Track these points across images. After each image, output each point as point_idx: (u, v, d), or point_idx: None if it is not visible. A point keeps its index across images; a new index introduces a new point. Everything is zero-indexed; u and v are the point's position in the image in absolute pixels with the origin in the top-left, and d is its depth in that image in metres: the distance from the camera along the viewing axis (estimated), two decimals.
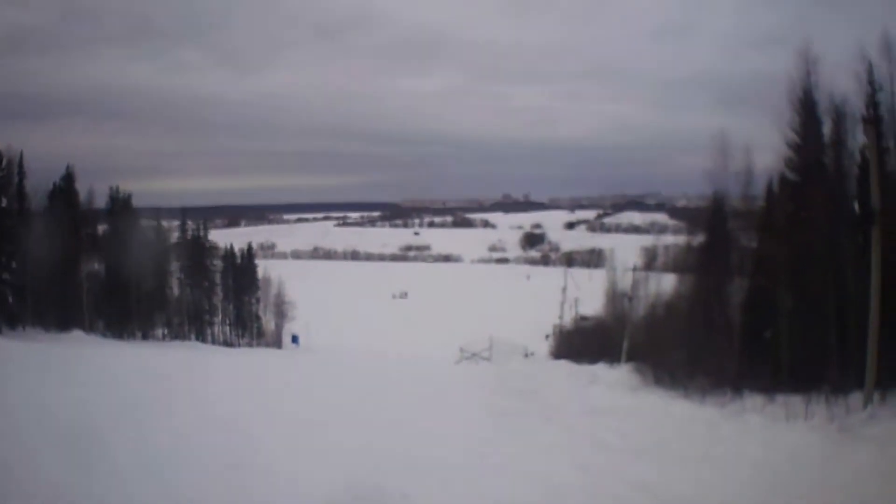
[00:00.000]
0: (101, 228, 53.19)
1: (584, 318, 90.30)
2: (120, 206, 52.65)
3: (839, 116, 27.37)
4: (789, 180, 28.70)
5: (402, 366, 40.34)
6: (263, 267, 69.01)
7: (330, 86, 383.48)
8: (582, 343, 66.39)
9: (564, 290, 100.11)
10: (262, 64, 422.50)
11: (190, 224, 60.80)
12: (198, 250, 59.71)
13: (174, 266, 57.62)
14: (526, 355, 56.49)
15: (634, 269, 52.92)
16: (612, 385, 28.73)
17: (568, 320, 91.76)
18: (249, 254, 65.98)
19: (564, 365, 42.37)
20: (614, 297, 62.80)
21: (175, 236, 60.04)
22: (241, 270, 63.26)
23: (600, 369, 35.69)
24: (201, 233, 61.39)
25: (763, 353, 28.00)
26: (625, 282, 62.61)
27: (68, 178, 50.11)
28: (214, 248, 62.54)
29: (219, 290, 60.80)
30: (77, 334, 42.91)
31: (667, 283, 59.69)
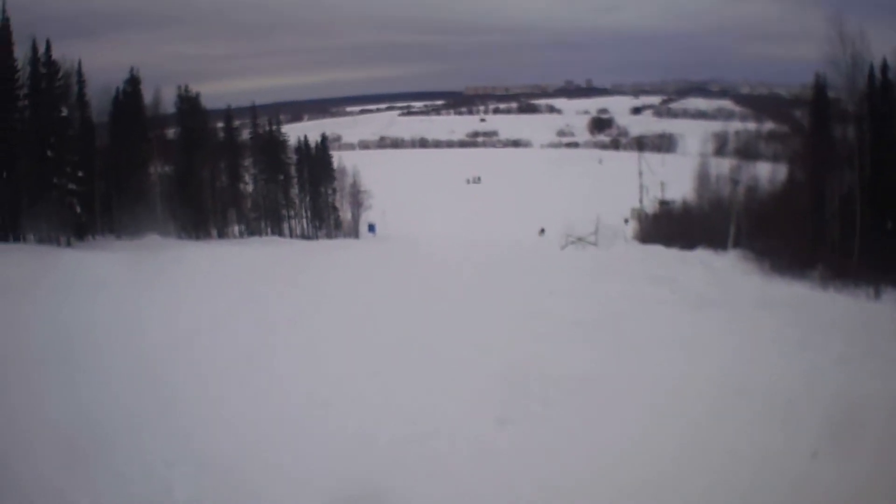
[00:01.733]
0: (171, 132, 52.13)
1: (664, 203, 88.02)
2: (188, 105, 51.21)
3: None
4: None
5: (507, 252, 38.56)
6: (337, 157, 67.48)
7: None
8: (669, 228, 64.93)
9: (641, 174, 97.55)
10: None
11: (260, 120, 59.10)
12: (271, 145, 58.24)
13: (248, 163, 56.28)
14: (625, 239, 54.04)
15: (737, 153, 50.29)
16: (730, 271, 27.22)
17: (647, 205, 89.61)
18: (324, 145, 64.34)
19: (666, 251, 41.11)
20: (704, 181, 61.05)
21: (246, 133, 58.42)
22: (316, 162, 61.81)
23: (707, 255, 34.50)
24: (272, 127, 59.70)
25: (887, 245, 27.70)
26: (719, 166, 61.12)
27: (133, 81, 48.98)
28: (286, 141, 60.87)
29: (294, 182, 59.51)
30: (152, 238, 42.22)
31: (758, 171, 58.59)
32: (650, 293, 19.88)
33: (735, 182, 43.42)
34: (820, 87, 37.20)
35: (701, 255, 36.36)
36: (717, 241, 46.91)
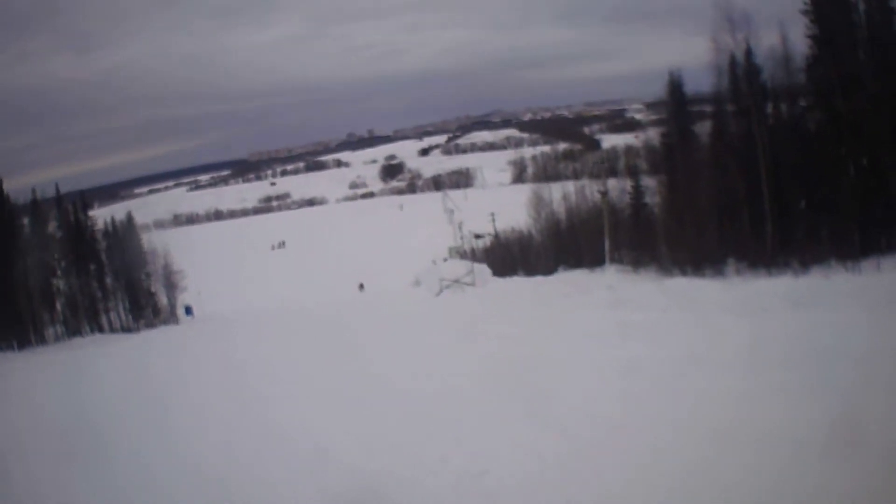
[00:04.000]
0: None
1: (479, 237, 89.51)
2: None
3: None
4: None
5: (386, 310, 36.91)
6: (145, 239, 64.46)
7: (171, 51, 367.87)
8: (511, 257, 66.06)
9: (452, 212, 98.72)
10: (104, 41, 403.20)
11: (65, 208, 55.38)
12: (79, 233, 54.65)
13: (56, 256, 52.61)
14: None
15: (603, 167, 51.22)
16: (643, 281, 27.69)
17: (462, 242, 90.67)
18: (131, 224, 61.17)
19: (544, 280, 41.74)
20: (540, 208, 62.51)
21: (52, 225, 54.55)
22: (127, 245, 58.47)
23: (592, 275, 35.10)
24: (78, 215, 56.03)
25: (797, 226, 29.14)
26: (551, 192, 62.76)
27: None
28: (94, 227, 57.25)
29: (108, 270, 56.02)
30: None
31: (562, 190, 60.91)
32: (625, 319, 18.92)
33: (603, 195, 44.06)
34: (675, 85, 38.59)
35: (590, 276, 37.23)
36: (578, 261, 48.02)
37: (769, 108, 33.08)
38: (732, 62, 33.75)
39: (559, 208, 60.18)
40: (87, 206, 58.81)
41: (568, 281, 38.99)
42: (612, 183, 53.24)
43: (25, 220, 51.89)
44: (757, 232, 30.92)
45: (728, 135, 34.00)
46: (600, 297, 24.94)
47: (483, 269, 54.57)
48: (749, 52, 33.70)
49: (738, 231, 31.32)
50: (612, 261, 41.03)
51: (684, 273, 30.99)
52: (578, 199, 58.23)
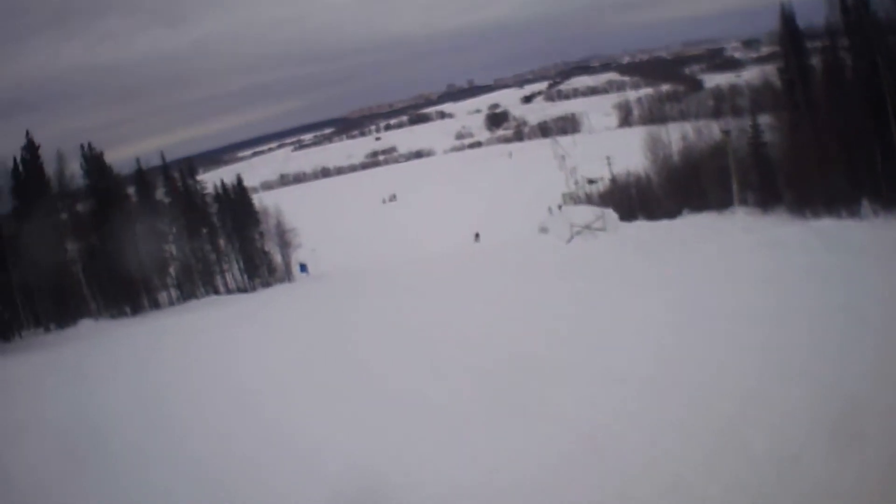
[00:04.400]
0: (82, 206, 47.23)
1: (592, 182, 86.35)
2: (95, 166, 46.46)
3: None
4: None
5: (517, 260, 34.48)
6: (256, 199, 63.26)
7: (260, 16, 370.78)
8: (630, 201, 63.34)
9: (564, 158, 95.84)
10: (192, 14, 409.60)
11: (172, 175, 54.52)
12: (189, 197, 53.64)
13: (167, 221, 51.63)
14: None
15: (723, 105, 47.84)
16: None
17: (576, 187, 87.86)
18: (241, 187, 59.77)
19: (671, 223, 39.46)
20: (656, 150, 59.83)
21: (160, 192, 53.65)
22: (238, 207, 57.28)
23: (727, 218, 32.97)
24: (186, 181, 55.05)
25: None
26: (667, 133, 60.13)
27: (30, 147, 44.01)
28: (204, 192, 56.24)
29: (220, 233, 54.94)
30: (84, 325, 37.02)
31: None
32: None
33: (726, 133, 41.06)
34: (789, 18, 36.05)
35: (714, 218, 35.14)
36: (701, 204, 45.43)
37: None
38: None
39: (676, 150, 57.48)
40: (193, 171, 57.84)
41: (700, 224, 36.79)
42: (727, 122, 50.71)
43: (131, 190, 51.18)
44: (888, 170, 27.74)
45: (849, 69, 30.92)
46: (745, 240, 22.41)
47: (610, 214, 51.46)
48: None
49: (870, 169, 28.19)
50: (740, 203, 38.15)
51: (816, 214, 28.17)
52: (696, 139, 55.83)
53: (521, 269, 27.76)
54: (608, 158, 75.73)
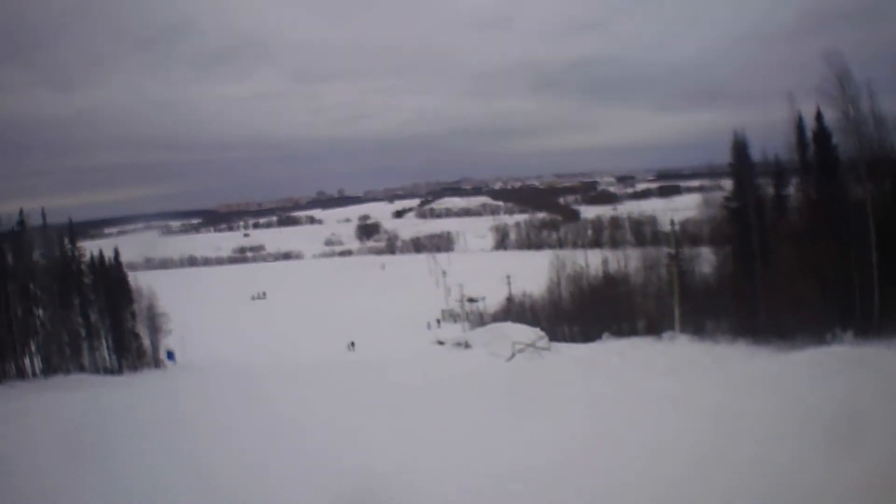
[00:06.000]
0: None
1: (472, 300, 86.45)
2: None
3: None
4: None
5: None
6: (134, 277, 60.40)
7: (146, 95, 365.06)
8: (533, 322, 63.29)
9: (444, 273, 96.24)
10: (82, 80, 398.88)
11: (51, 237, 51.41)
12: (66, 263, 50.62)
13: (41, 285, 48.41)
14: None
15: (672, 229, 48.20)
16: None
17: (452, 304, 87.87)
18: (118, 262, 56.90)
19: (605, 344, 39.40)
20: (561, 272, 60.50)
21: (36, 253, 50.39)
22: (113, 282, 54.40)
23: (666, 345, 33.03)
24: (66, 245, 52.09)
25: None
26: (573, 260, 61.16)
27: None
28: (82, 260, 53.18)
29: (93, 306, 51.90)
30: None
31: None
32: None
33: (672, 256, 41.54)
34: (741, 147, 37.31)
35: (651, 344, 35.17)
36: (625, 328, 45.65)
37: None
38: (803, 128, 32.60)
39: (587, 273, 58.38)
40: (74, 236, 54.82)
41: (644, 348, 36.29)
42: (636, 253, 51.74)
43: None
44: (865, 301, 28.61)
45: (827, 201, 32.11)
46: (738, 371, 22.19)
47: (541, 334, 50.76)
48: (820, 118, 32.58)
49: (844, 299, 28.95)
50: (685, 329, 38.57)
51: (780, 344, 28.42)
52: (616, 265, 57.30)
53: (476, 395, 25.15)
54: (508, 277, 76.02)
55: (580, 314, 57.17)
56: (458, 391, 25.14)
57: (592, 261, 60.14)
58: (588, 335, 48.68)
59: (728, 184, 40.86)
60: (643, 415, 17.81)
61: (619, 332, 45.95)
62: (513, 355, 42.73)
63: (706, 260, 43.85)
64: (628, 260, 55.91)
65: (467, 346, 52.38)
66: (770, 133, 35.53)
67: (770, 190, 37.24)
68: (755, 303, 36.71)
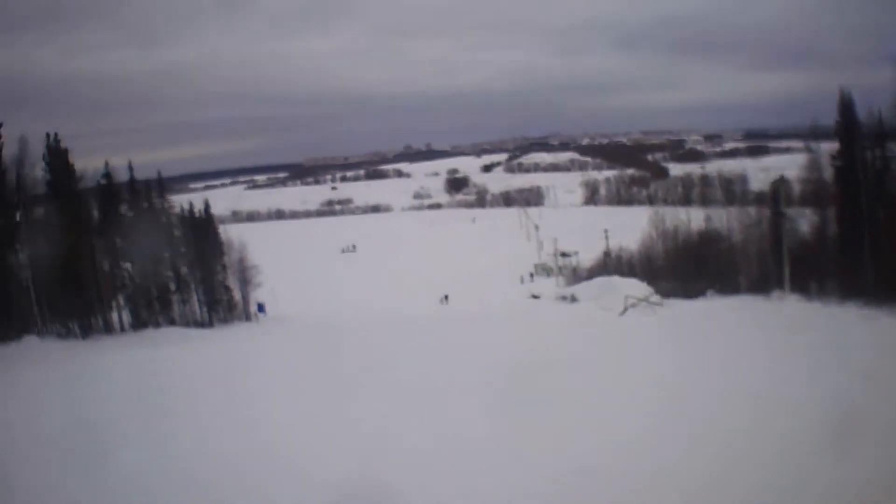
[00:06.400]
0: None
1: (566, 255, 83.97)
2: (57, 160, 41.85)
3: None
4: None
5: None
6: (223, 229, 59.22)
7: (232, 53, 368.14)
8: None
9: (537, 227, 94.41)
10: (164, 38, 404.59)
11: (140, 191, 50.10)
12: (156, 216, 49.32)
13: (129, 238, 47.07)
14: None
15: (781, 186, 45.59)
16: None
17: (544, 258, 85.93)
18: (208, 214, 55.67)
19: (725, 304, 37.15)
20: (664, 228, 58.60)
21: (124, 207, 49.02)
22: (204, 234, 53.16)
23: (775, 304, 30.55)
24: (154, 199, 50.86)
25: None
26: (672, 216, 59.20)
27: None
28: (171, 213, 52.00)
29: (183, 259, 50.69)
30: (28, 343, 33.28)
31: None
32: None
33: (781, 215, 39.00)
34: (847, 107, 34.86)
35: (760, 302, 32.50)
36: (729, 286, 43.43)
37: None
38: None
39: (693, 230, 56.01)
40: (163, 190, 53.54)
41: (761, 307, 34.03)
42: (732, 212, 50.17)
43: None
44: None
45: None
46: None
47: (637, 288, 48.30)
48: None
49: None
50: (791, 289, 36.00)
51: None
52: (719, 222, 55.08)
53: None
54: (605, 231, 73.44)
55: (679, 271, 54.70)
56: (621, 345, 23.57)
57: (687, 218, 57.94)
58: (688, 292, 46.25)
59: (819, 146, 39.96)
60: (800, 371, 15.98)
61: (723, 291, 43.63)
62: (625, 310, 40.49)
63: (807, 220, 41.81)
64: (727, 217, 53.44)
65: (573, 299, 50.04)
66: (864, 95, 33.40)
67: (875, 151, 35.04)
68: (864, 264, 35.21)
